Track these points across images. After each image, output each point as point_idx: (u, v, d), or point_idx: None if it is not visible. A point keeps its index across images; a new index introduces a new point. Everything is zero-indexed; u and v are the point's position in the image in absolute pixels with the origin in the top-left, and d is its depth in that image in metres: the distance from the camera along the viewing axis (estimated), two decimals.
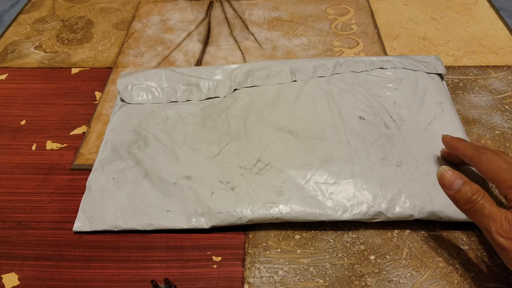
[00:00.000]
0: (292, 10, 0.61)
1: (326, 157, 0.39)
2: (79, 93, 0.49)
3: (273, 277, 0.33)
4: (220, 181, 0.38)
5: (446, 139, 0.36)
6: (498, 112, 0.45)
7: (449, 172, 0.31)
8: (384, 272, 0.34)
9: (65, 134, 0.45)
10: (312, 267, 0.34)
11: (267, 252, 0.35)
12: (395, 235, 0.36)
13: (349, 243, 0.35)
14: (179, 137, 0.42)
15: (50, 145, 0.44)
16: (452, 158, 0.37)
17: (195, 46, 0.55)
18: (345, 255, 0.35)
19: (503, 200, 0.36)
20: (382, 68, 0.46)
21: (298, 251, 0.35)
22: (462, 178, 0.30)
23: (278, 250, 0.35)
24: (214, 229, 0.36)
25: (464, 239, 0.35)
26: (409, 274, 0.33)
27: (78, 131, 0.45)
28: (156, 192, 0.38)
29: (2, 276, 0.34)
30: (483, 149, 0.32)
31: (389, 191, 0.36)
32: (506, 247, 0.27)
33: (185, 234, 0.36)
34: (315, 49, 0.54)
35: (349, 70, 0.46)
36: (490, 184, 0.38)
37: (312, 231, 0.36)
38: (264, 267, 0.34)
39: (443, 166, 0.32)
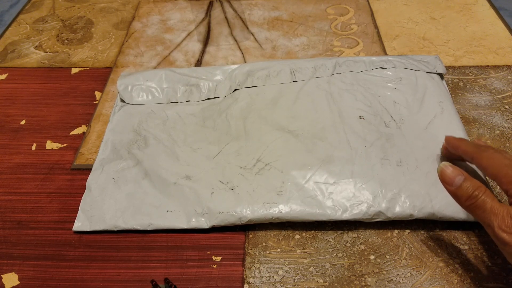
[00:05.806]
0: (292, 10, 0.61)
1: (326, 157, 0.39)
2: (79, 93, 0.49)
3: (273, 277, 0.33)
4: (220, 181, 0.38)
5: (448, 139, 0.36)
6: (498, 112, 0.45)
7: (450, 168, 0.31)
8: (384, 272, 0.33)
9: (65, 134, 0.45)
10: (312, 267, 0.34)
11: (267, 252, 0.35)
12: (395, 235, 0.36)
13: (349, 243, 0.35)
14: (179, 137, 0.42)
15: (50, 145, 0.44)
16: (452, 154, 0.37)
17: (195, 46, 0.55)
18: (345, 255, 0.35)
19: (505, 197, 0.36)
20: (382, 68, 0.46)
21: (298, 251, 0.35)
22: (463, 174, 0.30)
23: (278, 250, 0.35)
24: (214, 229, 0.36)
25: (464, 239, 0.35)
26: (409, 274, 0.33)
27: (78, 131, 0.45)
28: (156, 192, 0.38)
29: (2, 276, 0.34)
30: (484, 147, 0.32)
31: (389, 191, 0.36)
32: (508, 242, 0.27)
33: (185, 234, 0.36)
34: (315, 49, 0.54)
35: (349, 70, 0.46)
36: (491, 183, 0.38)
37: (312, 231, 0.36)
38: (264, 267, 0.34)
39: (443, 162, 0.32)
